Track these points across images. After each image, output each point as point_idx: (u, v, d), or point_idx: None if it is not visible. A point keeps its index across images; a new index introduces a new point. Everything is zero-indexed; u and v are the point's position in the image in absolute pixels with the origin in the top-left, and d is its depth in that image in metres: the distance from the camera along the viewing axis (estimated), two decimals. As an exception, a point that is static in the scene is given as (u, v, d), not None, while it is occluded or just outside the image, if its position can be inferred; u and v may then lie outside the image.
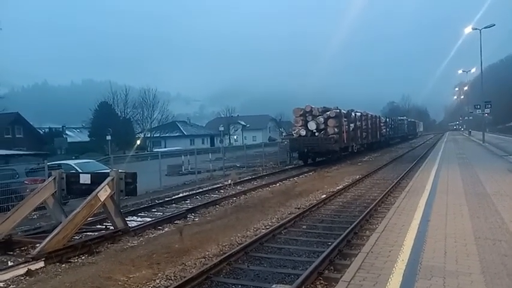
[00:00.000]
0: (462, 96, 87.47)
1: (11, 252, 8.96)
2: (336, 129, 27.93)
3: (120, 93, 57.33)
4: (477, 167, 17.93)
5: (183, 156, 27.07)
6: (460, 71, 69.91)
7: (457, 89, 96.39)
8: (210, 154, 26.48)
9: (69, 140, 54.90)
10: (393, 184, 16.01)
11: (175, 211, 12.91)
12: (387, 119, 50.62)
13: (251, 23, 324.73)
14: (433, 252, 6.11)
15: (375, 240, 6.86)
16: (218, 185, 18.52)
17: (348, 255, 7.69)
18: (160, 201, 15.06)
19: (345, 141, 29.53)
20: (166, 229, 10.71)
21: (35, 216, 12.54)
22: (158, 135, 64.87)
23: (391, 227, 7.76)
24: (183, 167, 26.25)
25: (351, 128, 31.38)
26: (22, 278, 7.20)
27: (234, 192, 16.44)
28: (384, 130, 46.04)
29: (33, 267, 7.54)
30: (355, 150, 32.37)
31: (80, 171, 14.90)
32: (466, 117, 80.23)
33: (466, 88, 76.85)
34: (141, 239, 9.74)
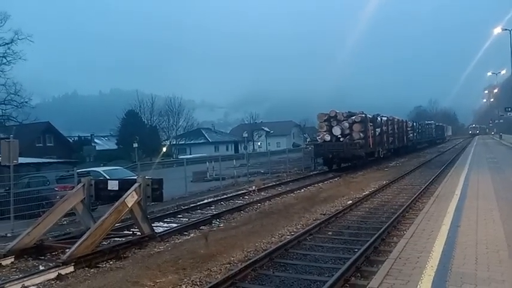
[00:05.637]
0: (492, 99, 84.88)
1: (42, 257, 9.22)
2: (361, 134, 27.55)
3: (146, 102, 58.36)
4: (509, 172, 17.33)
5: (207, 163, 27.27)
6: (489, 73, 68.12)
7: (486, 91, 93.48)
8: (234, 160, 26.58)
9: (97, 148, 56.36)
10: (421, 190, 15.64)
11: (201, 217, 13.01)
12: (414, 124, 49.67)
13: (269, 24, 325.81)
14: (463, 258, 5.92)
15: (402, 247, 6.71)
16: (242, 191, 18.53)
17: (375, 261, 7.56)
18: (186, 207, 15.21)
19: (371, 146, 29.08)
20: (192, 235, 10.79)
21: (65, 222, 12.89)
22: (183, 142, 65.49)
23: (420, 233, 7.58)
24: (207, 174, 26.44)
25: (377, 133, 30.87)
26: (53, 282, 7.40)
27: (258, 198, 16.42)
28: (411, 135, 45.15)
29: (63, 271, 7.74)
30: (382, 155, 31.84)
31: (108, 178, 15.18)
32: (496, 121, 77.82)
33: (496, 90, 74.51)
34: (167, 244, 9.84)
